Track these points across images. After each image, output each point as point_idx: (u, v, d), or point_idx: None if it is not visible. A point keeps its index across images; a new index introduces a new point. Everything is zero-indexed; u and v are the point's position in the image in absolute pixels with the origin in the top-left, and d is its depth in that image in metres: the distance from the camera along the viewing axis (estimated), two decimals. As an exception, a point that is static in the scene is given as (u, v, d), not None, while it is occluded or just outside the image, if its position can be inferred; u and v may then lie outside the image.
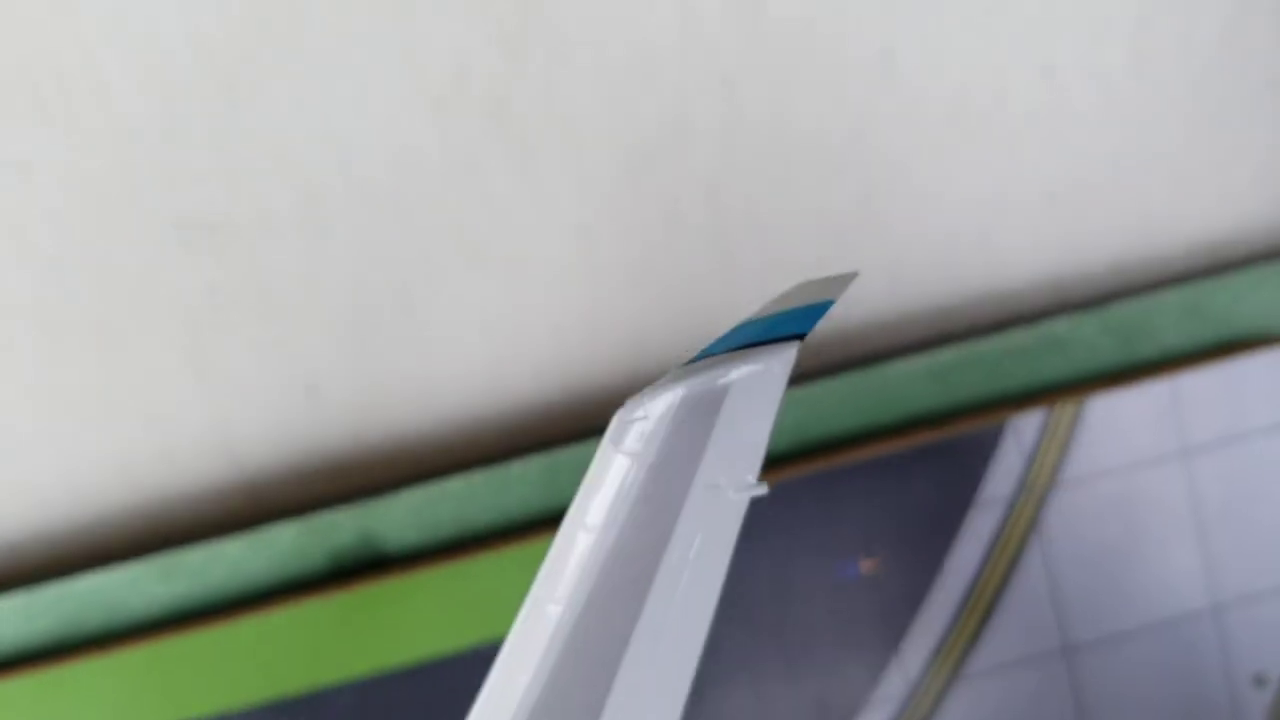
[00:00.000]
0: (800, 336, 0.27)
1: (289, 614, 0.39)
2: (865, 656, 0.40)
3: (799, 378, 0.40)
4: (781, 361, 0.26)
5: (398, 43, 0.41)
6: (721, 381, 0.26)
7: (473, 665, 0.39)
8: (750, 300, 0.44)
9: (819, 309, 0.27)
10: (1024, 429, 0.41)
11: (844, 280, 0.28)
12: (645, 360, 0.44)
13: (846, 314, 0.45)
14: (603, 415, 0.44)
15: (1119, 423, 0.41)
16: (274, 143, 0.41)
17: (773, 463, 0.37)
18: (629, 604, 0.27)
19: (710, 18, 0.42)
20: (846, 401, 0.42)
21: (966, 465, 0.41)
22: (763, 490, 0.27)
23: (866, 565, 0.40)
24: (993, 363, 0.42)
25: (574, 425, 0.44)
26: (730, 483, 0.27)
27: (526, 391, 0.44)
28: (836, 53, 0.43)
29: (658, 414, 0.26)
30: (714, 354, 0.27)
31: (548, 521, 0.41)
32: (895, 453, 0.40)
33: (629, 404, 0.26)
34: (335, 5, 0.41)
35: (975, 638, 0.40)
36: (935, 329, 0.44)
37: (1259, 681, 0.41)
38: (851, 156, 0.44)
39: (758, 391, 0.26)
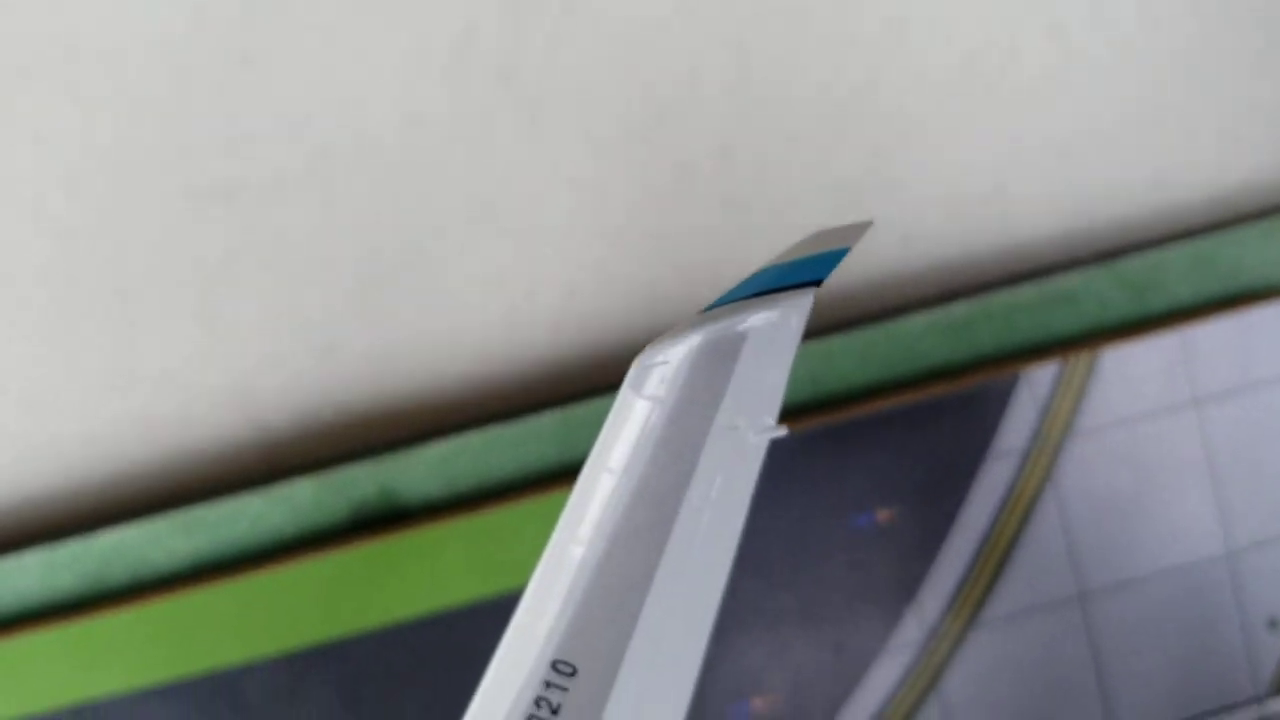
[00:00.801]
0: (817, 283, 0.27)
1: (310, 566, 0.40)
2: (882, 604, 0.40)
3: (812, 333, 0.41)
4: (799, 307, 0.27)
5: (404, 2, 0.42)
6: (740, 327, 0.26)
7: (492, 615, 0.39)
8: (762, 255, 0.44)
9: (835, 255, 0.27)
10: (1038, 380, 0.41)
11: (859, 229, 0.28)
12: (658, 316, 0.44)
13: (858, 270, 0.45)
14: (617, 371, 0.44)
15: (1132, 374, 0.41)
16: (283, 106, 0.42)
17: (788, 415, 0.37)
18: (651, 545, 0.27)
19: (722, -27, 0.42)
20: (860, 355, 0.42)
21: (981, 417, 0.41)
22: (782, 432, 0.27)
23: (882, 515, 0.41)
24: (1005, 316, 0.42)
25: (589, 381, 0.44)
26: (749, 425, 0.27)
27: (541, 348, 0.44)
28: (847, 10, 0.43)
29: (677, 359, 0.26)
30: (732, 300, 0.27)
31: (564, 475, 0.41)
32: (910, 404, 0.41)
33: (648, 349, 0.27)
34: (348, -37, 0.41)
35: (991, 585, 0.41)
36: (947, 285, 0.45)
37: (1273, 624, 0.42)
38: (862, 113, 0.44)
39: (776, 336, 0.27)
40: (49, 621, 0.40)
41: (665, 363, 0.26)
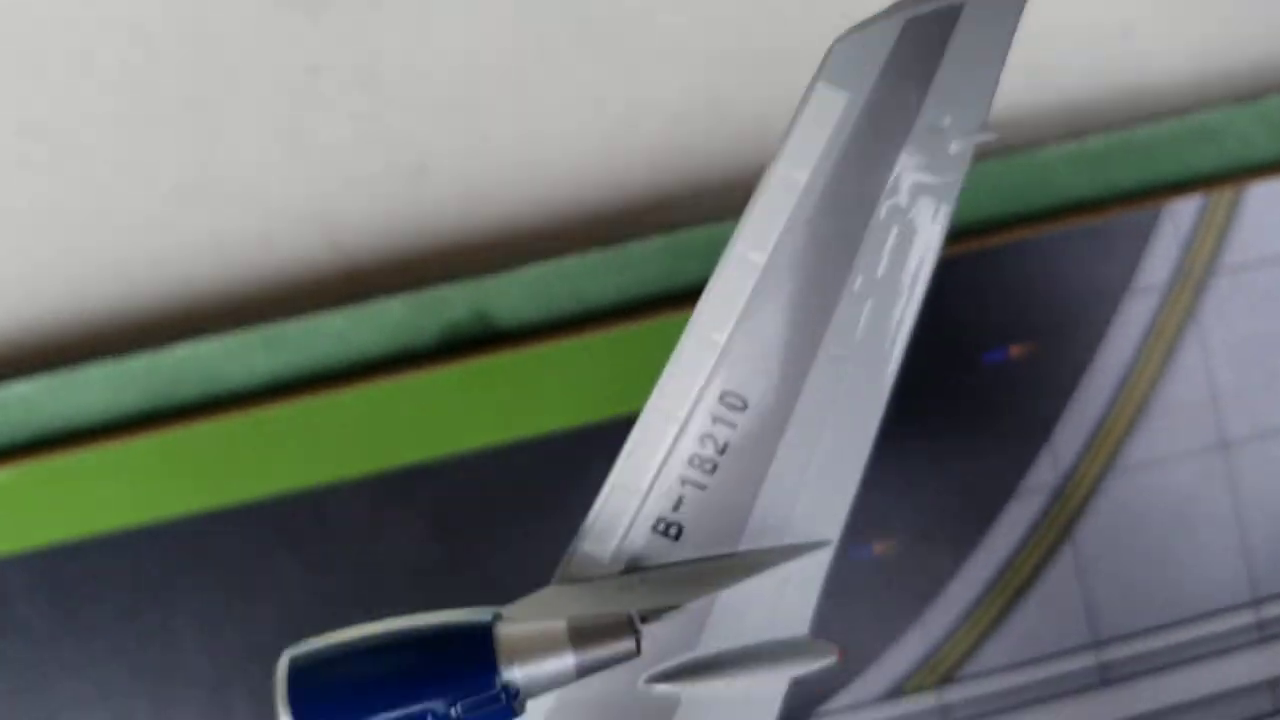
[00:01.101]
0: (1035, -32, 0.24)
1: (399, 386, 0.37)
2: (1014, 445, 0.38)
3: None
4: (1016, -8, 0.24)
5: None
6: (949, 11, 0.24)
7: (588, 443, 0.37)
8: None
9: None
10: (1181, 215, 0.38)
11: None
12: (768, 146, 0.41)
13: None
14: (723, 204, 0.41)
15: (1277, 212, 0.39)
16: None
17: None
18: (836, 262, 0.24)
19: None
20: (992, 186, 0.39)
21: (1121, 251, 0.38)
22: (991, 138, 0.24)
23: (1016, 351, 0.38)
24: (1144, 151, 0.40)
25: (693, 214, 0.41)
26: (954, 127, 0.24)
27: (642, 179, 0.41)
28: None
29: (877, 46, 0.24)
30: (938, -14, 0.24)
31: (668, 302, 0.39)
32: (1046, 237, 0.38)
33: (846, 35, 0.24)
34: None
35: (1130, 428, 0.38)
36: (1076, 125, 0.42)
37: None
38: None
39: (989, 23, 0.24)
40: (116, 436, 0.37)
41: (864, 48, 0.24)
